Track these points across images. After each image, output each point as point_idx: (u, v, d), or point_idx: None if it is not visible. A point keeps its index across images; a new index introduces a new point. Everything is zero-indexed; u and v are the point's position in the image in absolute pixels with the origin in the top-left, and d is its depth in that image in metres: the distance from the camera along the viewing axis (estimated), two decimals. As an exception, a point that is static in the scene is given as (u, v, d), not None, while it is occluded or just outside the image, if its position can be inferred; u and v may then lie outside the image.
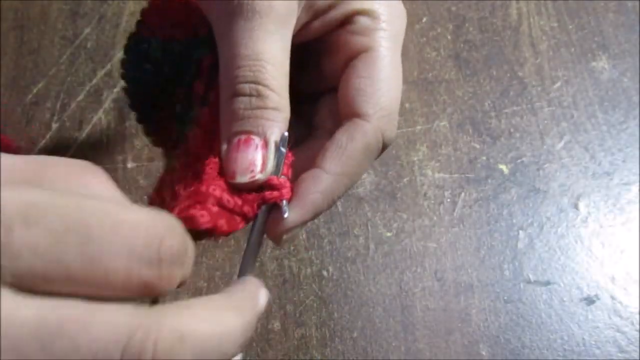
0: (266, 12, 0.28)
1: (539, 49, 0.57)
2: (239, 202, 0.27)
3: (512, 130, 0.54)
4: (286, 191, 0.28)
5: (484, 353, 0.46)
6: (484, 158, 0.53)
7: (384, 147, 0.31)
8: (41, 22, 0.58)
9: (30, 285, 0.17)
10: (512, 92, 0.55)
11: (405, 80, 0.56)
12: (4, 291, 0.17)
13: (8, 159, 0.20)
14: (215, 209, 0.26)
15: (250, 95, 0.28)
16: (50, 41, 0.57)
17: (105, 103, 0.54)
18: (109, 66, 0.56)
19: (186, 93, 0.31)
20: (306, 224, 0.29)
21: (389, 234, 0.50)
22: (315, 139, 0.32)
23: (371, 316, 0.47)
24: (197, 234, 0.25)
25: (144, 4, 0.34)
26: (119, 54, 0.56)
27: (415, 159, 0.53)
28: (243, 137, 0.28)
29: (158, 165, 0.51)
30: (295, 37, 0.30)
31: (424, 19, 0.58)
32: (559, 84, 0.56)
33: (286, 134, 0.28)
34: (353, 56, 0.31)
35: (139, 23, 0.33)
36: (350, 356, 0.46)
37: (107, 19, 0.58)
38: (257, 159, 0.27)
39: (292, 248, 0.49)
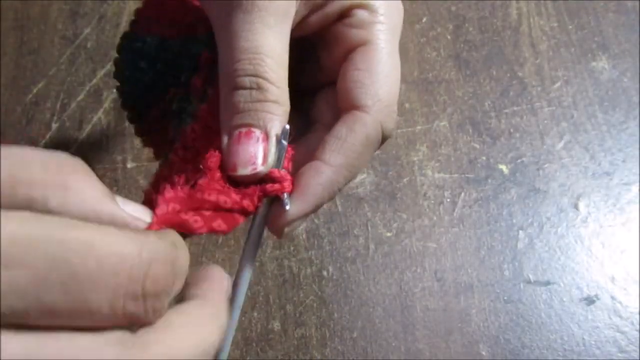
0: (265, 6, 0.28)
1: (539, 49, 0.57)
2: (238, 197, 0.27)
3: (512, 130, 0.54)
4: (287, 184, 0.28)
5: (484, 353, 0.46)
6: (484, 158, 0.53)
7: (384, 139, 0.31)
8: (41, 22, 0.58)
9: (15, 322, 0.17)
10: (512, 92, 0.55)
11: (405, 80, 0.56)
12: None
13: None
14: (209, 213, 0.26)
15: (251, 88, 0.28)
16: (50, 41, 0.57)
17: (105, 103, 0.54)
18: (109, 66, 0.56)
19: (184, 90, 0.31)
20: (307, 217, 0.29)
21: (389, 234, 0.50)
22: (314, 133, 0.32)
23: (371, 316, 0.47)
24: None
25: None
26: (118, 45, 0.56)
27: (415, 159, 0.53)
28: (244, 130, 0.28)
29: (158, 165, 0.51)
30: (293, 31, 0.30)
31: (424, 19, 0.58)
32: (559, 84, 0.56)
33: (287, 126, 0.28)
34: (351, 49, 0.31)
35: (132, 22, 0.33)
36: (350, 356, 0.46)
37: (107, 19, 0.58)
38: (258, 152, 0.27)
39: (292, 248, 0.49)
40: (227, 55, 0.28)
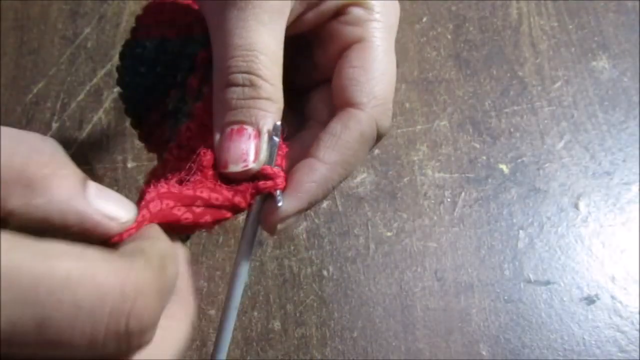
0: (260, 3, 0.28)
1: (539, 49, 0.57)
2: (230, 194, 0.27)
3: (512, 130, 0.54)
4: (280, 181, 0.28)
5: (484, 353, 0.46)
6: (484, 158, 0.53)
7: (379, 136, 0.31)
8: (41, 22, 0.58)
9: None
10: (512, 91, 0.55)
11: (405, 80, 0.56)
12: None
13: None
14: (200, 209, 0.26)
15: (244, 85, 0.28)
16: (50, 41, 0.57)
17: (105, 103, 0.54)
18: (109, 66, 0.56)
19: (180, 89, 0.32)
20: (301, 214, 0.29)
21: (389, 234, 0.50)
22: (308, 130, 0.32)
23: (371, 316, 0.47)
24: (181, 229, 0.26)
25: (144, 4, 0.34)
26: (119, 52, 0.56)
27: (416, 158, 0.53)
28: (236, 127, 0.28)
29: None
30: (289, 28, 0.30)
31: (424, 19, 0.58)
32: (559, 83, 0.56)
33: (279, 123, 0.28)
34: (346, 47, 0.31)
35: (133, 29, 0.33)
36: (350, 356, 0.46)
37: (107, 19, 0.58)
38: (250, 149, 0.27)
39: (292, 248, 0.49)
40: (221, 52, 0.28)
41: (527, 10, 0.59)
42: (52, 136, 0.53)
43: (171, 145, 0.30)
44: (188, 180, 0.27)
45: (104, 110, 0.54)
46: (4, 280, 0.16)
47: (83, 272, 0.17)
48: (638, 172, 0.52)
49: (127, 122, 0.53)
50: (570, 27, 0.58)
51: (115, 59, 0.56)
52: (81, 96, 0.54)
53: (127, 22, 0.57)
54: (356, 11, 0.31)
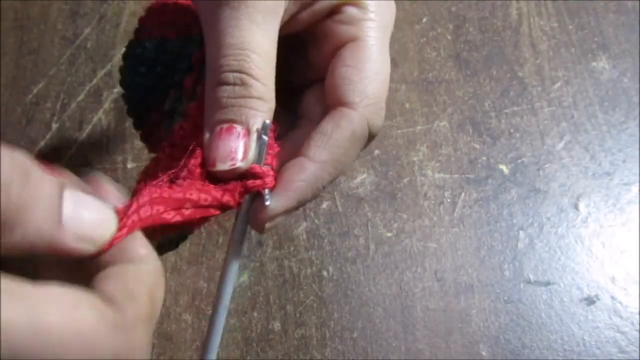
0: (253, 3, 0.28)
1: (539, 49, 0.57)
2: (218, 194, 0.27)
3: (512, 130, 0.54)
4: (269, 180, 0.28)
5: (484, 353, 0.46)
6: (484, 158, 0.53)
7: (371, 136, 0.31)
8: (41, 22, 0.58)
9: None
10: (512, 92, 0.55)
11: (405, 80, 0.56)
12: None
13: None
14: (189, 211, 0.26)
15: (234, 84, 0.28)
16: (50, 41, 0.57)
17: (105, 103, 0.54)
18: (109, 66, 0.56)
19: (178, 90, 0.32)
20: (290, 212, 0.29)
21: (389, 234, 0.50)
22: (301, 129, 0.32)
23: (371, 316, 0.47)
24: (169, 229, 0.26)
25: (144, 4, 0.34)
26: (119, 54, 0.56)
27: (415, 159, 0.53)
28: (225, 125, 0.28)
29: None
30: (283, 28, 0.30)
31: (424, 19, 0.58)
32: (559, 84, 0.56)
33: (268, 122, 0.28)
34: (340, 46, 0.31)
35: (135, 30, 0.34)
36: (350, 356, 0.46)
37: (107, 19, 0.58)
38: (238, 147, 0.27)
39: (292, 248, 0.49)
40: (213, 51, 0.28)
41: (527, 10, 0.59)
42: (51, 136, 0.53)
43: (164, 144, 0.30)
44: (178, 179, 0.27)
45: (104, 110, 0.54)
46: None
47: (76, 334, 0.18)
48: (638, 172, 0.52)
49: (127, 123, 0.54)
50: (570, 27, 0.58)
51: (115, 59, 0.56)
52: (81, 96, 0.54)
53: (127, 23, 0.57)
54: (350, 10, 0.31)
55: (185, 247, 0.49)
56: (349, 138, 0.29)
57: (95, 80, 0.55)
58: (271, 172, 0.28)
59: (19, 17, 0.58)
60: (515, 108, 0.55)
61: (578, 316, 0.47)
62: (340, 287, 0.48)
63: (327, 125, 0.29)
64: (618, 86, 0.56)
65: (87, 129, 0.53)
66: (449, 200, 0.51)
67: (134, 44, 0.33)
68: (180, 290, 0.47)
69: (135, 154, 0.52)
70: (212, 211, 0.27)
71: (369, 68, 0.30)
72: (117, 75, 0.55)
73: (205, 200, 0.26)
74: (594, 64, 0.57)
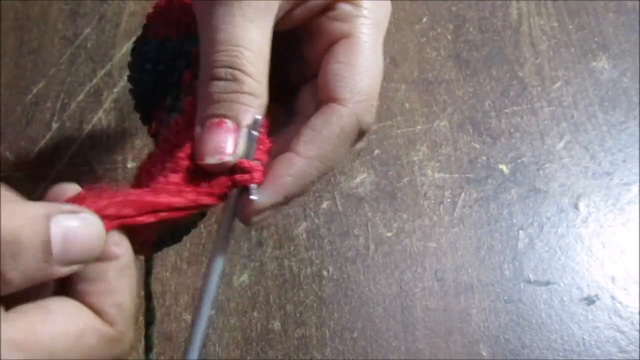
0: (247, 0, 0.28)
1: (539, 49, 0.57)
2: (193, 196, 0.27)
3: (512, 130, 0.54)
4: (257, 174, 0.28)
5: (484, 353, 0.46)
6: (484, 158, 0.53)
7: (362, 132, 0.31)
8: (41, 22, 0.58)
9: None
10: (512, 92, 0.55)
11: (405, 80, 0.56)
12: None
13: None
14: (163, 213, 0.26)
15: (226, 79, 0.28)
16: (50, 41, 0.57)
17: (105, 103, 0.54)
18: (109, 66, 0.56)
19: (176, 86, 0.32)
20: (278, 207, 0.29)
21: (389, 234, 0.50)
22: (294, 125, 0.32)
23: (371, 316, 0.47)
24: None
25: (144, 4, 0.34)
26: (119, 54, 0.56)
27: (416, 159, 0.53)
28: (216, 120, 0.28)
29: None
30: (277, 24, 0.30)
31: (424, 19, 0.58)
32: (559, 84, 0.56)
33: (258, 117, 0.28)
34: (333, 42, 0.31)
35: (144, 26, 0.34)
36: (350, 356, 0.46)
37: (107, 19, 0.58)
38: (227, 142, 0.27)
39: (292, 248, 0.49)
40: (206, 46, 0.29)
41: (527, 10, 0.59)
42: (51, 136, 0.53)
43: (158, 139, 0.31)
44: (165, 172, 0.27)
45: (104, 110, 0.54)
46: None
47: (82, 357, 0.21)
48: (638, 172, 0.52)
49: (127, 123, 0.54)
50: (570, 27, 0.58)
51: (115, 59, 0.56)
52: (81, 96, 0.54)
53: (127, 23, 0.57)
54: (344, 7, 0.31)
55: (185, 247, 0.49)
56: (338, 134, 0.29)
57: (95, 80, 0.55)
58: (260, 167, 0.29)
59: (19, 17, 0.58)
60: (515, 108, 0.55)
61: (578, 316, 0.47)
62: (340, 287, 0.48)
63: (317, 121, 0.30)
64: (618, 86, 0.56)
65: (87, 128, 0.53)
66: (449, 200, 0.51)
67: (141, 41, 0.34)
68: (181, 290, 0.47)
69: (135, 154, 0.52)
70: (190, 211, 0.27)
71: (360, 64, 0.30)
72: (117, 75, 0.55)
73: (179, 203, 0.26)
74: (594, 64, 0.57)
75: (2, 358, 0.19)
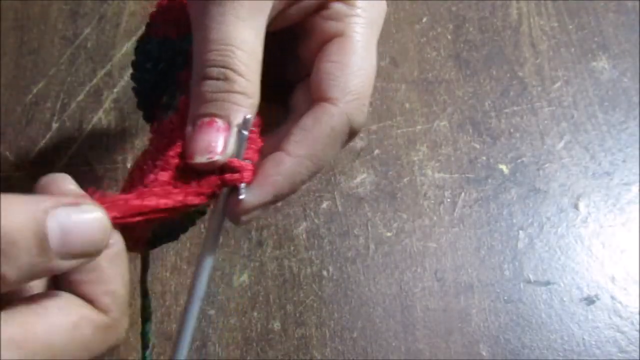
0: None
1: (539, 49, 0.57)
2: (181, 197, 0.27)
3: (512, 130, 0.54)
4: (247, 174, 0.28)
5: (484, 353, 0.46)
6: (484, 158, 0.53)
7: (353, 132, 0.31)
8: (41, 22, 0.58)
9: None
10: (512, 92, 0.55)
11: (405, 80, 0.56)
12: None
13: None
14: (151, 214, 0.26)
15: (218, 79, 0.28)
16: (50, 41, 0.57)
17: (105, 103, 0.54)
18: (109, 66, 0.56)
19: (173, 84, 0.32)
20: (267, 206, 0.29)
21: (389, 234, 0.50)
22: (289, 124, 0.32)
23: (371, 316, 0.47)
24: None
25: (144, 4, 0.35)
26: (119, 54, 0.56)
27: (415, 159, 0.53)
28: (207, 119, 0.28)
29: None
30: (271, 24, 0.30)
31: (424, 19, 0.58)
32: (559, 84, 0.56)
33: (249, 117, 0.28)
34: (326, 41, 0.31)
35: (147, 25, 0.34)
36: (350, 356, 0.46)
37: (107, 19, 0.58)
38: (218, 141, 0.28)
39: (292, 248, 0.49)
40: (199, 46, 0.29)
41: (527, 10, 0.59)
42: (51, 136, 0.53)
43: (151, 137, 0.31)
44: (156, 170, 0.27)
45: (104, 110, 0.54)
46: None
47: (79, 347, 0.22)
48: (638, 172, 0.52)
49: (127, 123, 0.54)
50: (570, 27, 0.58)
51: (115, 59, 0.56)
52: (81, 96, 0.54)
53: (127, 22, 0.57)
54: (338, 6, 0.31)
55: (185, 247, 0.49)
56: (329, 133, 0.29)
57: (95, 80, 0.55)
58: (250, 167, 0.29)
59: (19, 17, 0.58)
60: (515, 108, 0.55)
61: (578, 316, 0.47)
62: (340, 287, 0.48)
63: (308, 120, 0.30)
64: (618, 86, 0.56)
65: (87, 129, 0.53)
66: (449, 200, 0.51)
67: (144, 39, 0.34)
68: (181, 290, 0.47)
69: (135, 154, 0.52)
70: (179, 210, 0.27)
71: (353, 63, 0.30)
72: (117, 75, 0.55)
73: (166, 204, 0.26)
74: (594, 64, 0.57)
75: (2, 358, 0.19)
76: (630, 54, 0.57)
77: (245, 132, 0.28)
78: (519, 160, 0.53)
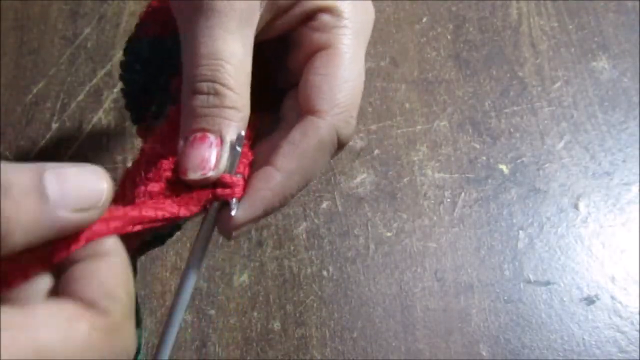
0: (226, 12, 0.28)
1: (539, 49, 0.57)
2: (175, 209, 0.27)
3: (512, 130, 0.54)
4: (238, 190, 0.28)
5: (484, 353, 0.46)
6: (484, 158, 0.53)
7: (341, 145, 0.31)
8: (41, 22, 0.58)
9: None
10: (512, 92, 0.55)
11: (405, 80, 0.56)
12: None
13: None
14: (137, 227, 0.26)
15: (208, 93, 0.28)
16: (50, 41, 0.57)
17: (105, 103, 0.54)
18: (109, 66, 0.56)
19: (163, 91, 0.32)
20: (258, 221, 0.30)
21: (389, 234, 0.50)
22: (279, 132, 0.32)
23: (371, 316, 0.47)
24: None
25: (144, 4, 0.34)
26: (119, 54, 0.56)
27: (415, 159, 0.53)
28: (199, 134, 0.28)
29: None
30: (258, 35, 0.30)
31: (424, 19, 0.58)
32: (559, 84, 0.56)
33: (243, 133, 0.28)
34: (314, 52, 0.31)
35: (136, 25, 0.34)
36: (350, 356, 0.46)
37: (107, 19, 0.58)
38: (210, 157, 0.28)
39: (292, 248, 0.49)
40: (188, 60, 0.29)
41: (527, 10, 0.59)
42: (51, 136, 0.53)
43: (143, 147, 0.31)
44: (148, 182, 0.27)
45: (104, 110, 0.54)
46: None
47: (74, 351, 0.20)
48: (638, 172, 0.52)
49: (127, 122, 0.54)
50: (570, 27, 0.58)
51: (115, 59, 0.56)
52: (81, 96, 0.54)
53: (127, 22, 0.57)
54: (324, 17, 0.31)
55: (185, 247, 0.49)
56: (317, 147, 0.29)
57: (95, 80, 0.55)
58: (241, 182, 0.29)
59: (19, 17, 0.58)
60: (515, 108, 0.55)
61: (578, 316, 0.47)
62: (340, 287, 0.48)
63: (295, 134, 0.30)
64: (618, 86, 0.56)
65: (87, 128, 0.53)
66: (449, 200, 0.51)
67: (133, 40, 0.34)
68: (180, 290, 0.47)
69: (135, 154, 0.52)
70: (173, 221, 0.27)
71: (339, 76, 0.30)
72: (117, 75, 0.55)
73: (163, 215, 0.27)
74: (594, 64, 0.57)
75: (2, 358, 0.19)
76: (630, 54, 0.57)
77: (239, 149, 0.28)
78: (519, 160, 0.53)
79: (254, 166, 0.30)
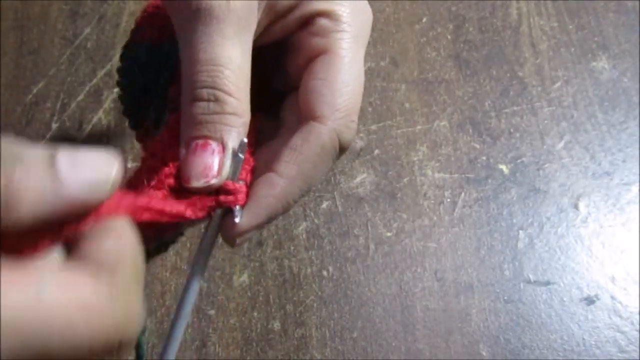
0: (224, 17, 0.28)
1: (539, 49, 0.57)
2: (182, 208, 0.27)
3: (512, 130, 0.54)
4: (241, 196, 0.28)
5: (484, 353, 0.46)
6: (484, 158, 0.53)
7: (342, 149, 0.31)
8: (41, 22, 0.58)
9: None
10: (512, 92, 0.55)
11: (405, 80, 0.56)
12: None
13: None
14: (145, 215, 0.26)
15: (208, 100, 0.28)
16: (50, 41, 0.57)
17: (105, 103, 0.54)
18: (109, 66, 0.56)
19: (161, 97, 0.32)
20: (261, 227, 0.30)
21: (389, 234, 0.50)
22: (279, 138, 0.32)
23: (371, 316, 0.47)
24: None
25: (144, 4, 0.34)
26: (119, 54, 0.56)
27: (415, 159, 0.53)
28: (200, 141, 0.28)
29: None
30: (257, 40, 0.30)
31: (424, 19, 0.58)
32: (559, 84, 0.56)
33: (245, 140, 0.28)
34: (313, 57, 0.31)
35: (132, 31, 0.34)
36: (350, 356, 0.46)
37: (107, 19, 0.58)
38: (213, 164, 0.28)
39: (292, 248, 0.49)
40: (187, 66, 0.28)
41: (527, 10, 0.59)
42: (52, 136, 0.53)
43: (144, 155, 0.31)
44: (150, 190, 0.27)
45: (104, 110, 0.54)
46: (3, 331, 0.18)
47: (79, 311, 0.19)
48: (638, 172, 0.52)
49: (127, 123, 0.54)
50: (570, 27, 0.58)
51: (115, 59, 0.56)
52: (81, 96, 0.54)
53: (127, 23, 0.57)
54: (323, 22, 0.31)
55: (185, 247, 0.49)
56: (318, 152, 0.29)
57: (95, 80, 0.55)
58: (244, 189, 0.29)
59: (19, 17, 0.58)
60: (515, 108, 0.55)
61: (578, 316, 0.47)
62: (340, 287, 0.48)
63: (297, 140, 0.30)
64: (618, 86, 0.56)
65: (87, 128, 0.53)
66: (449, 200, 0.51)
67: (130, 45, 0.33)
68: (180, 290, 0.47)
69: (135, 154, 0.52)
70: (178, 220, 0.27)
71: (339, 81, 0.30)
72: (116, 75, 0.55)
73: (170, 210, 0.27)
74: (594, 64, 0.57)
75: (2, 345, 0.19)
76: (630, 54, 0.57)
77: (241, 156, 0.28)
78: (519, 160, 0.53)
79: (256, 172, 0.30)
